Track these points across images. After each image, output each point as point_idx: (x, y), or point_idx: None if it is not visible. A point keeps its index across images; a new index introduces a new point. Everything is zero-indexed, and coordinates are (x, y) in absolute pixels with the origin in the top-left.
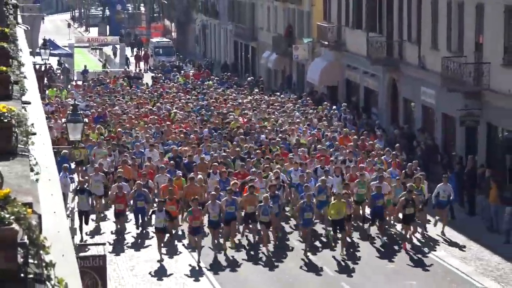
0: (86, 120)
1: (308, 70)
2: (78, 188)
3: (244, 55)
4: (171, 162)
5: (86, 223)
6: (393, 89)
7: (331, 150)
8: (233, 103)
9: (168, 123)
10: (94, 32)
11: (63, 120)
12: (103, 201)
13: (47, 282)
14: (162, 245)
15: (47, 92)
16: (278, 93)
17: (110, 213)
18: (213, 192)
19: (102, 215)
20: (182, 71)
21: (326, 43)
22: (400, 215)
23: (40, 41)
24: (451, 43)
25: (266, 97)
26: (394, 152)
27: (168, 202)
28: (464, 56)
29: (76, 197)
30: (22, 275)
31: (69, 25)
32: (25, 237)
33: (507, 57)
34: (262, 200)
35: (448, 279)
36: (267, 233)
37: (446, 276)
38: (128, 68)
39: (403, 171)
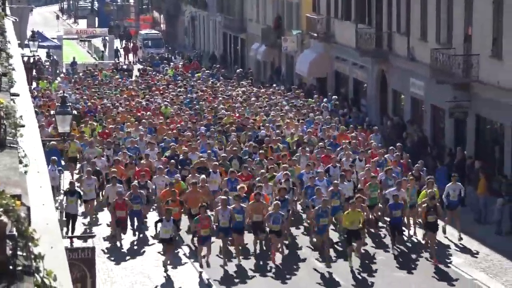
0: (75, 112)
1: (297, 62)
2: (68, 189)
3: (233, 46)
4: (172, 161)
5: (74, 228)
6: (382, 80)
7: (338, 149)
8: (223, 96)
9: (161, 118)
10: (82, 24)
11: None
12: (95, 203)
13: (36, 274)
14: (168, 258)
15: (38, 84)
16: (268, 85)
17: (102, 216)
18: (223, 197)
19: (94, 218)
20: (172, 63)
21: (315, 34)
22: (411, 221)
23: (29, 33)
24: (440, 35)
25: (255, 89)
26: (397, 153)
27: (170, 204)
28: (453, 47)
29: (65, 199)
30: (11, 267)
31: (57, 17)
32: (14, 229)
33: (496, 49)
34: (273, 207)
35: (435, 271)
36: (279, 242)
37: (434, 268)
38: (118, 60)
39: (410, 173)
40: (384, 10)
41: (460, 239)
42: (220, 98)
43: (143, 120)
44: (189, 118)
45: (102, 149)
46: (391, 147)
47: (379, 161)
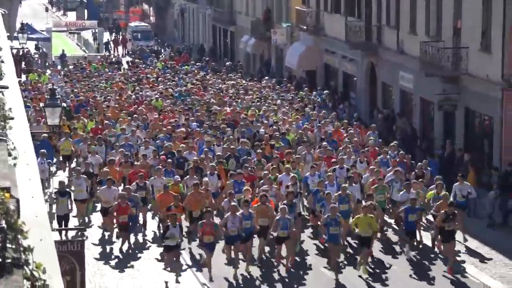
0: (64, 105)
1: (286, 54)
2: (58, 190)
3: (222, 39)
4: (169, 160)
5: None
6: (371, 73)
7: (340, 149)
8: (213, 89)
9: (154, 114)
10: (72, 16)
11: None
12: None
13: (25, 267)
14: (172, 266)
15: (27, 77)
16: (256, 79)
17: (94, 218)
18: (234, 203)
19: (85, 219)
20: (161, 56)
21: (305, 27)
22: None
23: (18, 25)
24: (430, 28)
25: (244, 82)
26: (401, 152)
27: (173, 209)
28: (442, 40)
29: (56, 199)
30: (0, 259)
31: (46, 9)
32: (3, 221)
33: (485, 42)
34: (279, 211)
35: (426, 262)
36: (289, 249)
37: (425, 260)
38: (109, 53)
39: (413, 172)
40: (374, 3)
41: (465, 240)
42: (211, 92)
43: (135, 115)
44: (183, 112)
45: (95, 145)
46: (392, 143)
47: (383, 160)
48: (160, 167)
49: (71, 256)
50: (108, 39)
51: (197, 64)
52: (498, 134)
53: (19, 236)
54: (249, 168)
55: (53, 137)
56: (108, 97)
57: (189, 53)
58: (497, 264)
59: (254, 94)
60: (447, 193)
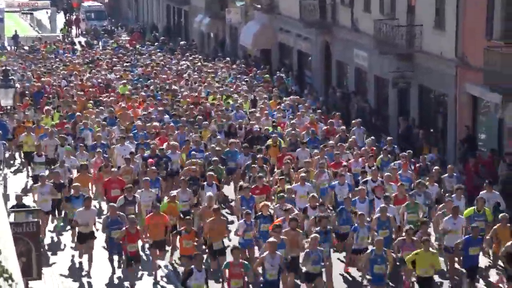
0: (15, 91)
1: (241, 33)
2: (15, 206)
3: (176, 18)
4: (153, 168)
5: None
6: (326, 52)
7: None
8: (170, 70)
9: (122, 105)
10: None
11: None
12: (50, 221)
13: None
14: None
15: None
16: (211, 59)
17: (66, 239)
18: (272, 239)
19: (51, 240)
20: (115, 35)
21: (259, 6)
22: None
23: None
24: (384, 6)
25: (199, 63)
26: (406, 152)
27: (184, 235)
28: (397, 18)
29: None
30: None
31: None
32: None
33: (439, 19)
34: (309, 242)
35: None
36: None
37: None
38: (69, 34)
39: (417, 165)
40: None
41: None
42: (171, 76)
43: (101, 107)
44: (149, 103)
45: (55, 139)
46: (389, 138)
47: (386, 161)
48: (148, 177)
49: (26, 238)
50: (66, 20)
51: (154, 44)
52: (452, 111)
53: None
54: (254, 178)
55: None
56: (71, 84)
57: (142, 33)
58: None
59: (209, 76)
60: (506, 214)
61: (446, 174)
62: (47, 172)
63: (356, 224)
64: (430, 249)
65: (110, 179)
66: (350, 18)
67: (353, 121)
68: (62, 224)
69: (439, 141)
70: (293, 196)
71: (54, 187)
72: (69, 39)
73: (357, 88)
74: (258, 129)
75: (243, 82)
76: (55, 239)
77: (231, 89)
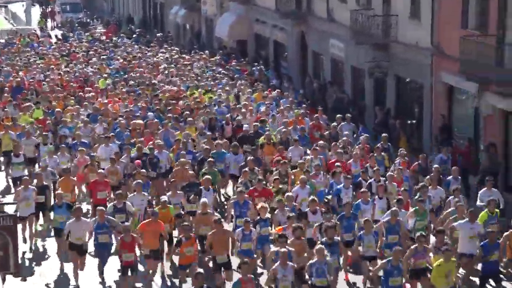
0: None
1: (216, 25)
2: None
3: (152, 10)
4: (142, 170)
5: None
6: (302, 42)
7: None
8: (147, 63)
9: (103, 99)
10: None
11: None
12: (34, 227)
13: None
14: None
15: None
16: (187, 51)
17: (50, 246)
18: (284, 250)
19: (34, 247)
20: (90, 28)
21: None
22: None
23: None
24: None
25: (176, 55)
26: (402, 150)
27: (184, 242)
28: (372, 8)
29: None
30: None
31: None
32: None
33: (414, 9)
34: (315, 254)
35: None
36: None
37: None
38: (46, 27)
39: (416, 163)
40: None
41: None
42: (146, 70)
43: (85, 103)
44: (130, 101)
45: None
46: (384, 134)
47: (380, 160)
48: (140, 180)
49: (3, 231)
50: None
51: (130, 37)
52: (428, 100)
53: None
54: (245, 183)
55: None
56: (48, 79)
57: (118, 25)
58: None
59: (186, 69)
60: None
61: (451, 176)
62: (26, 172)
63: (361, 232)
64: (452, 257)
65: (96, 180)
66: (326, 8)
67: (337, 116)
68: (43, 229)
69: (415, 130)
70: (295, 203)
71: (37, 190)
72: (47, 32)
73: (334, 78)
74: (246, 127)
75: (221, 75)
76: (40, 245)
77: (212, 83)
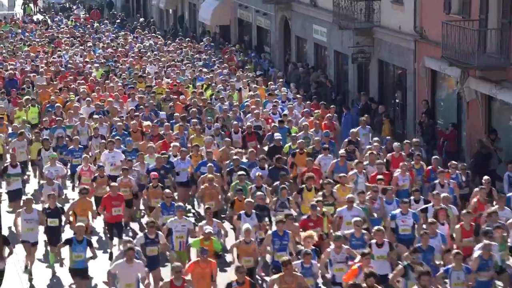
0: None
1: (200, 9)
2: None
3: None
4: (167, 191)
5: None
6: (285, 27)
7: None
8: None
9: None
10: None
11: None
12: (35, 256)
13: None
14: None
15: None
16: (171, 38)
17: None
18: (318, 263)
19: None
20: (72, 13)
21: None
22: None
23: None
24: None
25: (160, 41)
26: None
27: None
28: None
29: None
30: None
31: None
32: None
33: None
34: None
35: None
36: None
37: None
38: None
39: (428, 168)
40: None
41: None
42: (131, 59)
43: (88, 99)
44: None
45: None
46: (362, 118)
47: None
48: (181, 203)
49: None
50: None
51: (113, 22)
52: (411, 86)
53: None
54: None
55: None
56: (41, 71)
57: (101, 10)
58: None
59: (166, 56)
60: None
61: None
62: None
63: (449, 267)
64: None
65: (109, 195)
66: None
67: (361, 119)
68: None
69: (398, 115)
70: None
71: (44, 213)
72: (31, 17)
73: (317, 63)
74: (254, 125)
75: (218, 65)
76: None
77: (209, 76)
